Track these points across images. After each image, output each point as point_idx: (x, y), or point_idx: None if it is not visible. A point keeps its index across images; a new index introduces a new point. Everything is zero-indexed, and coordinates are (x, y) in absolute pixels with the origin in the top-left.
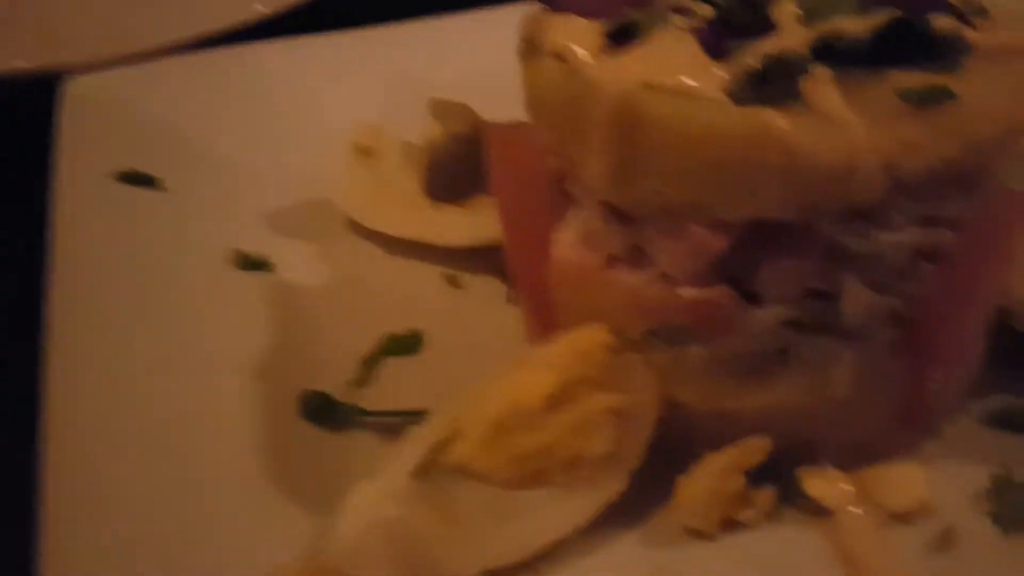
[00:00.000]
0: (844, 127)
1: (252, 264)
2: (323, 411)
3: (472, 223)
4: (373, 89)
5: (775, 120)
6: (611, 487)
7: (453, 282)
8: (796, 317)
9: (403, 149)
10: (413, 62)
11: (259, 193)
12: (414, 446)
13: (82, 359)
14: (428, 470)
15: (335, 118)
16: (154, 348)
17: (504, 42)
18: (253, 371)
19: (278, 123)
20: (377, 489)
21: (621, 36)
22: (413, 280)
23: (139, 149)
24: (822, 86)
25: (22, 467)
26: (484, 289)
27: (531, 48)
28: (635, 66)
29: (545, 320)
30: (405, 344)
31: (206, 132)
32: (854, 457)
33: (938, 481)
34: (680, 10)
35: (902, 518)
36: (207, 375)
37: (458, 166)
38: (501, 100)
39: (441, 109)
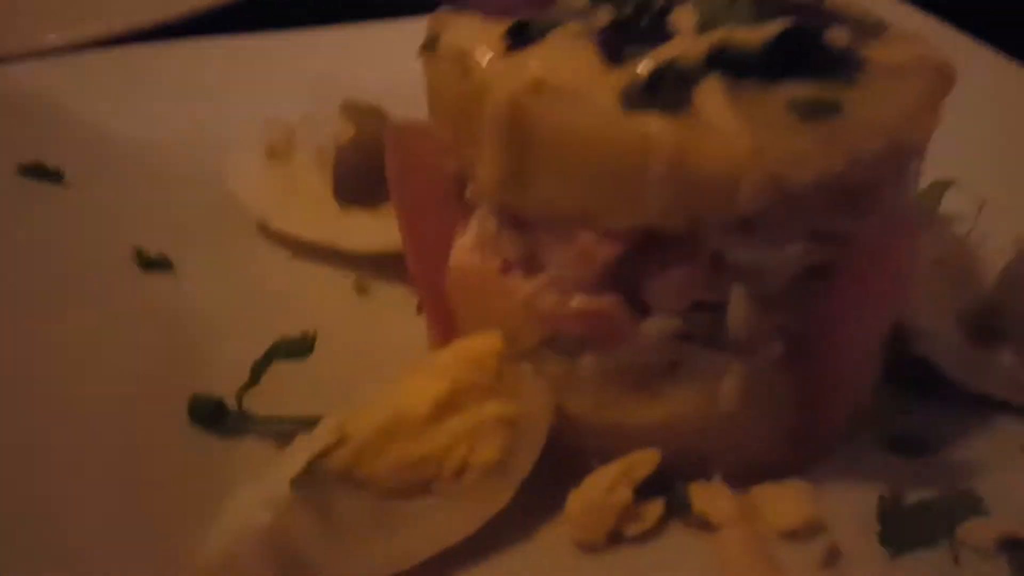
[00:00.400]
0: (731, 136)
1: (152, 264)
2: (212, 416)
3: (382, 228)
4: (289, 91)
5: (661, 127)
6: (498, 497)
7: (361, 289)
8: (686, 329)
9: (314, 152)
10: (332, 66)
11: (165, 191)
12: (299, 453)
13: None
14: (309, 477)
15: (248, 118)
16: (43, 344)
17: None
18: (144, 373)
19: (190, 121)
20: (254, 496)
21: (518, 37)
22: (319, 285)
23: (45, 143)
24: (713, 95)
25: None
26: (392, 296)
27: (431, 45)
28: (529, 67)
29: (445, 328)
30: (296, 347)
31: (115, 128)
32: (744, 473)
33: (828, 500)
34: (580, 14)
35: (789, 536)
36: (97, 375)
37: (369, 169)
38: (418, 110)
39: (353, 111)
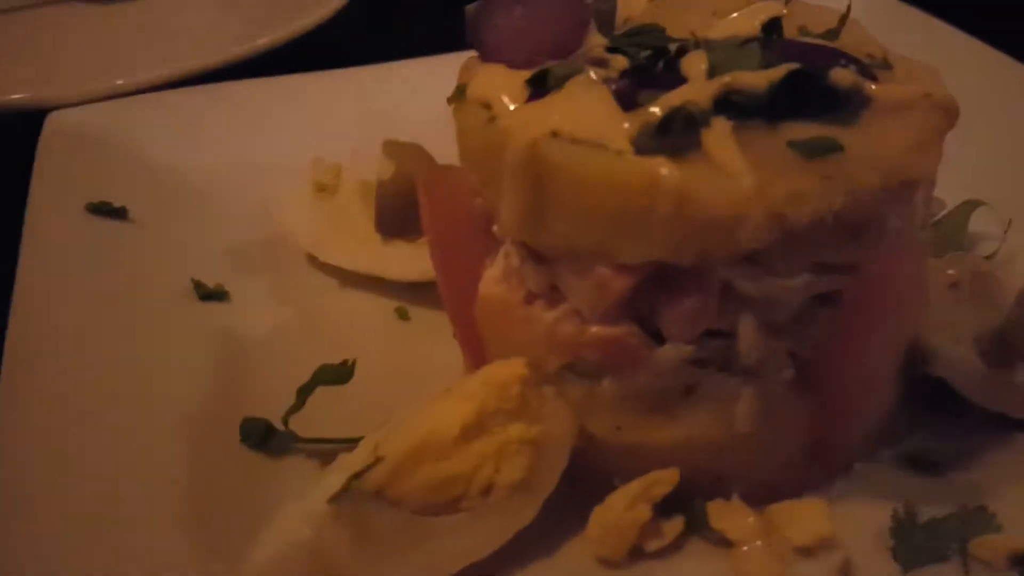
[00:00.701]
0: (734, 177)
1: (209, 295)
2: (261, 437)
3: (422, 258)
4: (336, 129)
5: (669, 169)
6: (523, 514)
7: (403, 315)
8: (699, 355)
9: (359, 187)
10: (375, 104)
11: (221, 226)
12: (338, 472)
13: (36, 382)
14: (347, 495)
15: (297, 156)
16: (109, 372)
17: None
18: (201, 396)
19: (242, 159)
20: (297, 512)
21: (540, 85)
22: (363, 312)
23: (110, 182)
24: (720, 137)
25: None
26: (431, 322)
27: (460, 94)
28: (548, 115)
29: (477, 354)
30: (338, 374)
31: (174, 167)
32: (761, 492)
33: (843, 517)
34: (597, 62)
35: (804, 552)
36: (157, 397)
37: (408, 204)
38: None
39: (394, 150)
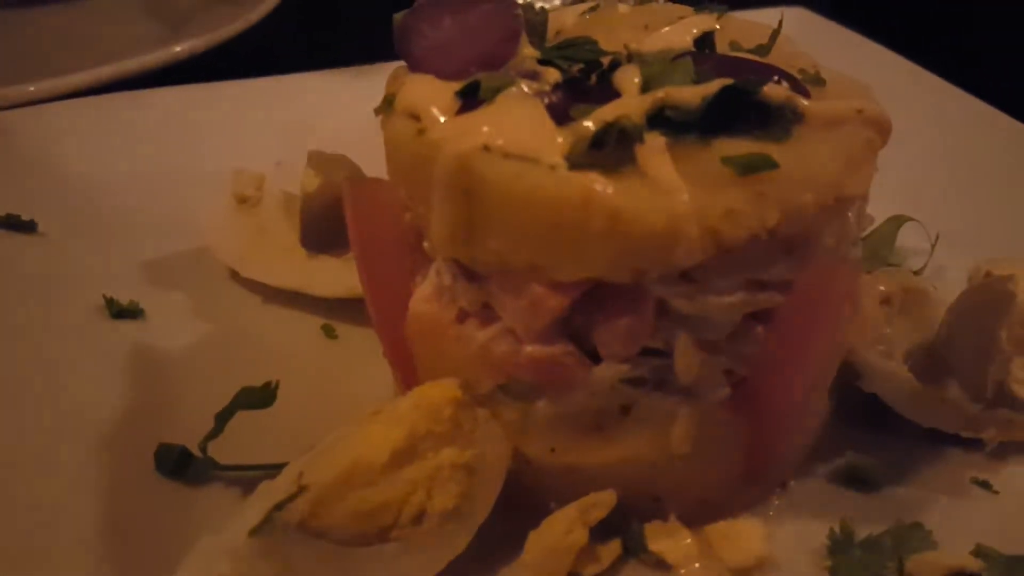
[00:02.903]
0: (669, 193)
1: (122, 312)
2: (177, 464)
3: (349, 274)
4: (258, 138)
5: (603, 185)
6: (457, 542)
7: (329, 333)
8: (635, 374)
9: (283, 199)
10: (301, 114)
11: (137, 240)
12: (260, 502)
13: None
14: (268, 527)
15: (219, 166)
16: (15, 394)
17: None
18: (112, 422)
19: (161, 169)
20: (215, 546)
21: (470, 97)
22: (288, 330)
23: (17, 194)
24: (654, 153)
25: None
26: (359, 340)
27: (387, 105)
28: (479, 127)
29: (406, 372)
30: (258, 397)
31: (88, 177)
32: (698, 512)
33: (780, 536)
34: (529, 75)
35: (742, 573)
36: (67, 424)
37: (335, 217)
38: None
39: (320, 161)
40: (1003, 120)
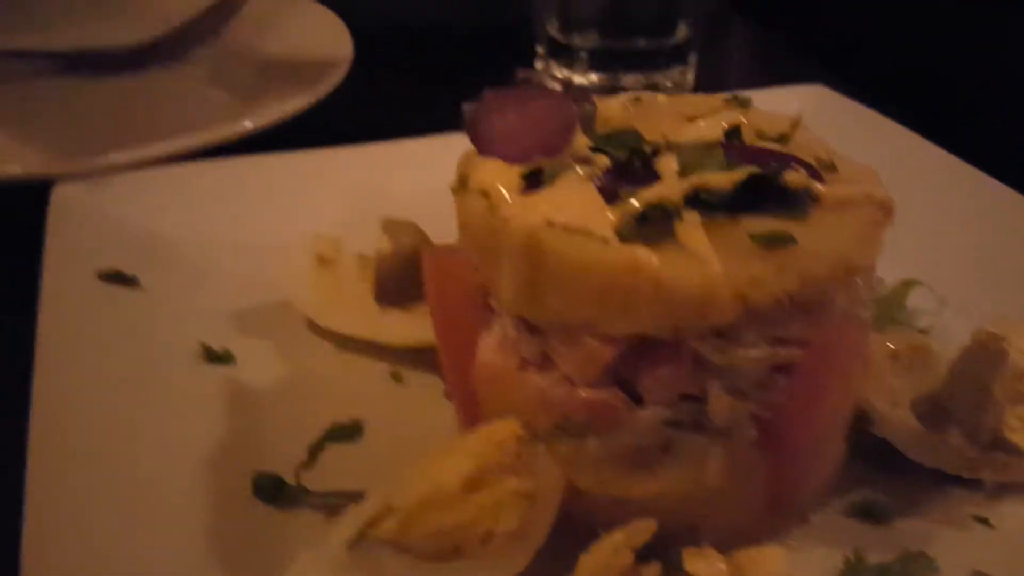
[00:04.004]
0: (704, 263)
1: (217, 358)
2: (273, 491)
3: (415, 326)
4: (334, 204)
5: (648, 256)
6: (519, 561)
7: (397, 378)
8: (674, 417)
9: (358, 260)
10: (372, 181)
11: (227, 294)
12: (351, 522)
13: (59, 444)
14: (361, 542)
15: (299, 229)
16: (126, 433)
17: (453, 166)
18: (212, 455)
19: (248, 231)
20: (316, 558)
21: (533, 179)
22: (361, 375)
23: (120, 251)
24: (690, 228)
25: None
26: (424, 385)
27: (462, 184)
28: (542, 206)
29: (472, 414)
30: (347, 431)
31: (182, 237)
32: (729, 539)
33: (800, 562)
34: (583, 160)
35: None
36: (171, 459)
37: (404, 276)
38: (448, 219)
39: (391, 226)
40: (1009, 195)
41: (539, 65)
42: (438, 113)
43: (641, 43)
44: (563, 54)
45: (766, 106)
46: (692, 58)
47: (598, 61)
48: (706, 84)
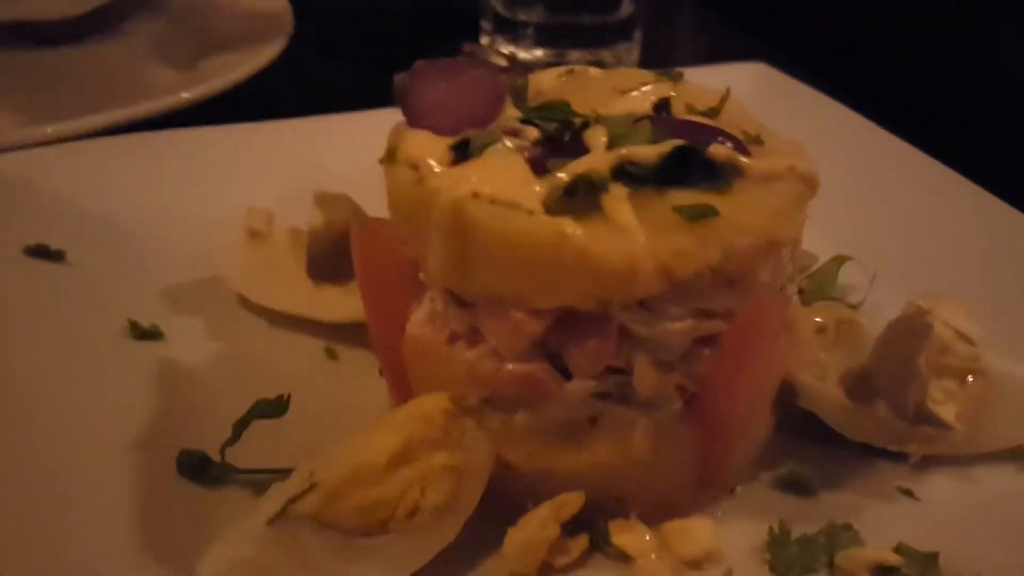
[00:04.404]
0: (629, 236)
1: (144, 334)
2: (197, 469)
3: (349, 302)
4: (266, 178)
5: (574, 228)
6: (446, 535)
7: (331, 354)
8: (602, 389)
9: (290, 234)
10: (308, 155)
11: (158, 270)
12: (274, 498)
13: None
14: (283, 518)
15: (231, 202)
16: (49, 409)
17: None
18: (138, 432)
19: (179, 205)
20: (237, 535)
21: (462, 151)
22: (293, 352)
23: (48, 225)
24: (617, 201)
25: None
26: (358, 362)
27: (390, 155)
28: (470, 177)
29: (403, 390)
30: (273, 408)
31: (111, 211)
32: (656, 512)
33: (727, 534)
34: (513, 132)
35: (693, 565)
36: (95, 436)
37: (337, 251)
38: (384, 194)
39: (324, 200)
40: (943, 172)
41: (484, 40)
42: (379, 88)
43: (586, 19)
44: (508, 29)
45: (707, 83)
46: (637, 35)
47: (543, 37)
48: (651, 61)
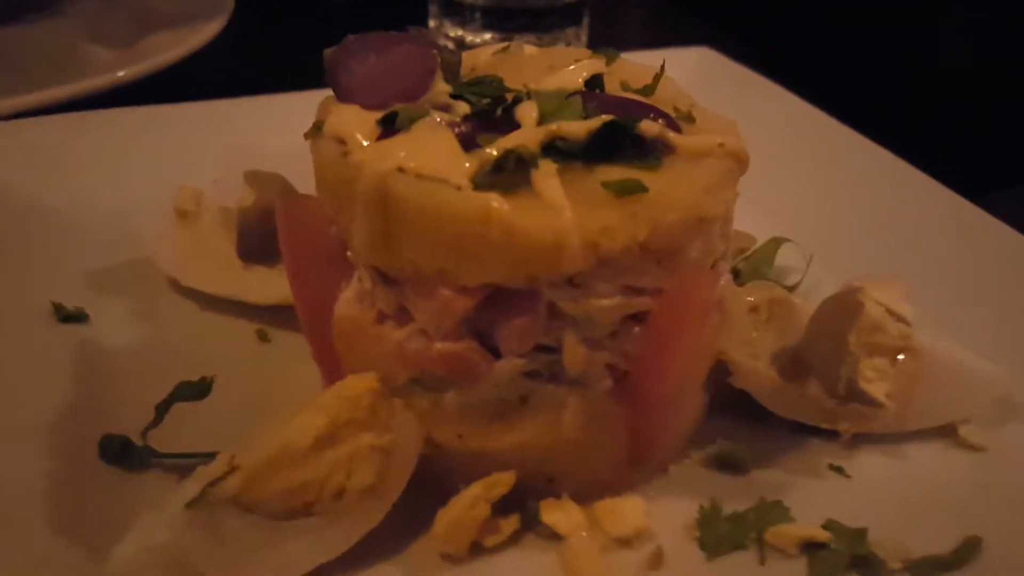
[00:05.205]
0: (556, 211)
1: (69, 317)
2: (119, 452)
3: (281, 283)
4: (197, 159)
5: (500, 203)
6: (373, 516)
7: (263, 337)
8: (531, 368)
9: (220, 214)
10: (243, 136)
11: (86, 252)
12: (196, 481)
13: None
14: (203, 501)
15: (160, 184)
16: None
17: None
18: (59, 416)
19: (105, 187)
20: (155, 519)
21: (389, 126)
22: (224, 335)
23: None
24: (546, 177)
25: None
26: (290, 345)
27: (317, 130)
28: (396, 152)
29: (332, 369)
30: (196, 390)
31: (37, 193)
32: (587, 491)
33: (658, 512)
34: (442, 107)
35: (624, 543)
36: (13, 416)
37: (268, 231)
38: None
39: (255, 178)
40: (884, 156)
41: (432, 24)
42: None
43: (535, 2)
44: (456, 13)
45: (649, 66)
46: (585, 19)
47: (491, 20)
48: (600, 45)
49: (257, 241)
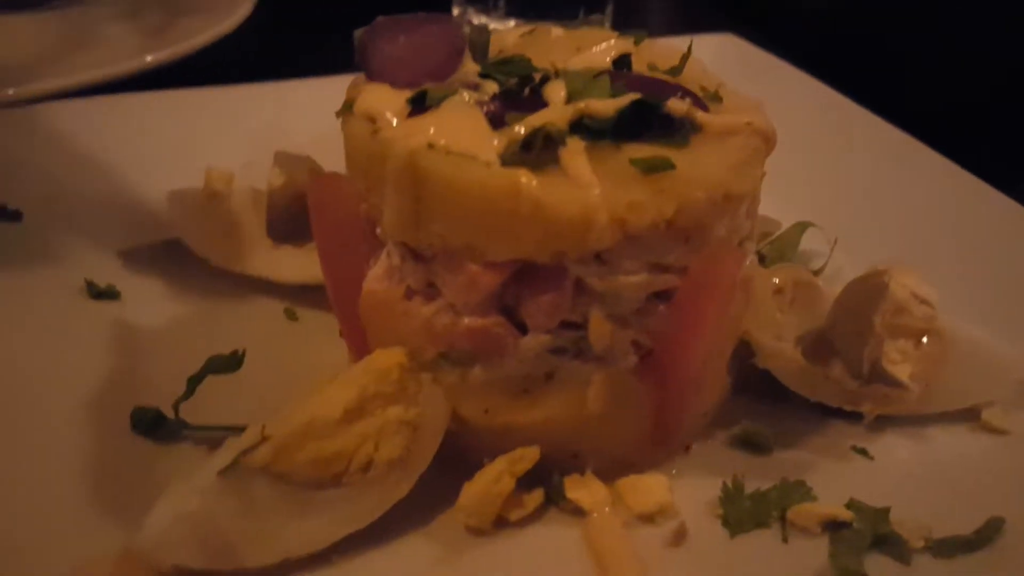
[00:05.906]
0: (584, 187)
1: (102, 294)
2: (151, 425)
3: (309, 262)
4: (229, 141)
5: (528, 179)
6: (400, 488)
7: (291, 315)
8: (557, 344)
9: (250, 195)
10: (272, 120)
11: (117, 232)
12: (227, 452)
13: None
14: (234, 470)
15: (192, 166)
16: (3, 366)
17: None
18: (92, 388)
19: (140, 167)
20: (186, 487)
21: (419, 104)
22: (253, 312)
23: (5, 186)
24: (573, 154)
25: None
26: (318, 322)
27: (348, 109)
28: (425, 129)
29: (360, 345)
30: (227, 363)
31: (72, 174)
32: (611, 467)
33: (681, 489)
34: (471, 86)
35: (647, 519)
36: (50, 389)
37: (297, 211)
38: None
39: (285, 160)
40: (908, 141)
41: (456, 11)
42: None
43: None
44: (480, 0)
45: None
46: (609, 6)
47: (515, 7)
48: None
49: (286, 221)
